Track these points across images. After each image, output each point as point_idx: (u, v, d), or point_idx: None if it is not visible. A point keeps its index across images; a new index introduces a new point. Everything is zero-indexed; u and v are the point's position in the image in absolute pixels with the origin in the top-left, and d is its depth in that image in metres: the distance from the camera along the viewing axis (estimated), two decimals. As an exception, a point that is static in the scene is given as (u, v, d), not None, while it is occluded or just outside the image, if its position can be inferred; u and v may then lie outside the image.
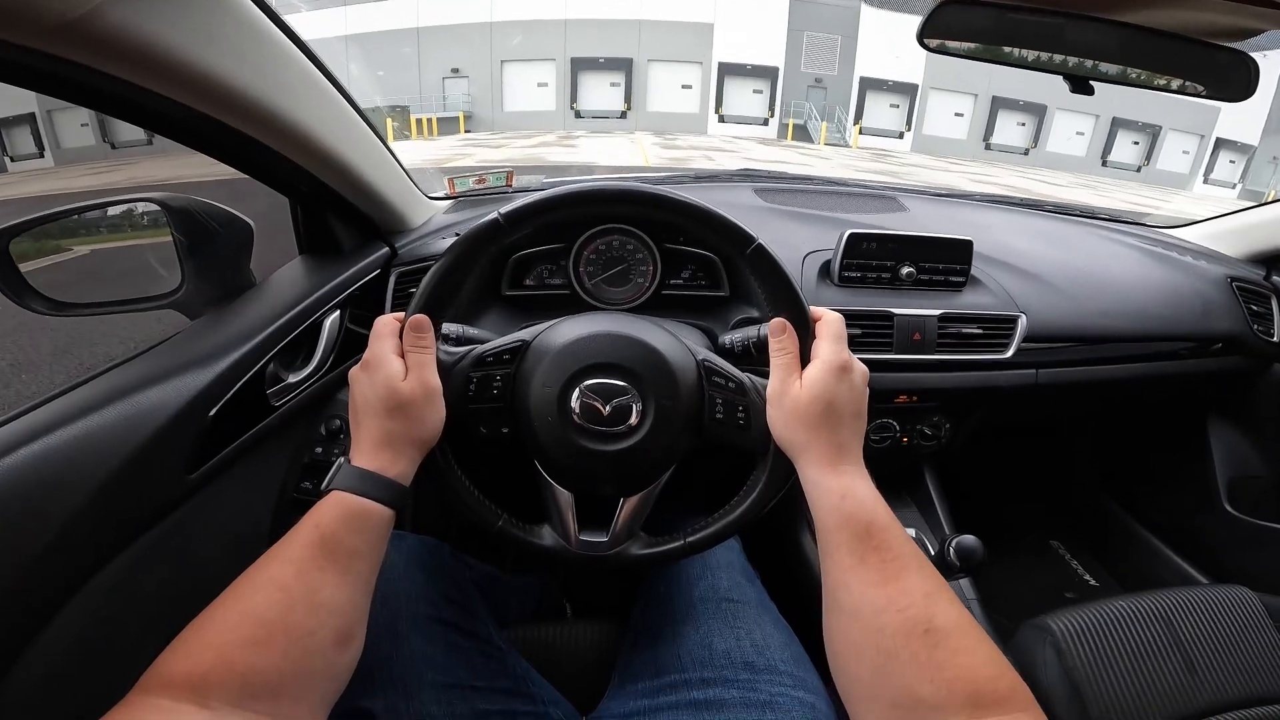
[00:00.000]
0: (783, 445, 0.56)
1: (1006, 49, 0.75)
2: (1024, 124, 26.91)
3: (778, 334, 0.57)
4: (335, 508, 0.50)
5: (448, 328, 0.67)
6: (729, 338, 0.69)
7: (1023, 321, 1.03)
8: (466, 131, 24.83)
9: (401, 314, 0.58)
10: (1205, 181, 25.83)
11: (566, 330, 0.62)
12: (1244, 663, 0.83)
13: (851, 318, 0.95)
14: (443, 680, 0.61)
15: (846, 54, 25.77)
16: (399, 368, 0.55)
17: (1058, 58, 0.74)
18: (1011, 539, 1.64)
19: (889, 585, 0.46)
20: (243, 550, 0.78)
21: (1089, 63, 0.74)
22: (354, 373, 0.56)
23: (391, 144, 0.90)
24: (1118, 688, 0.80)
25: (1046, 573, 1.60)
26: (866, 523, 0.49)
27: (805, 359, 0.57)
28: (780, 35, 25.61)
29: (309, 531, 0.48)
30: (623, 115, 27.01)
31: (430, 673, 0.61)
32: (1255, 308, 1.24)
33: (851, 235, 1.01)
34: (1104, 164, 26.62)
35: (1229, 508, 1.33)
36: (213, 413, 0.65)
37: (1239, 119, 24.23)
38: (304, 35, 0.67)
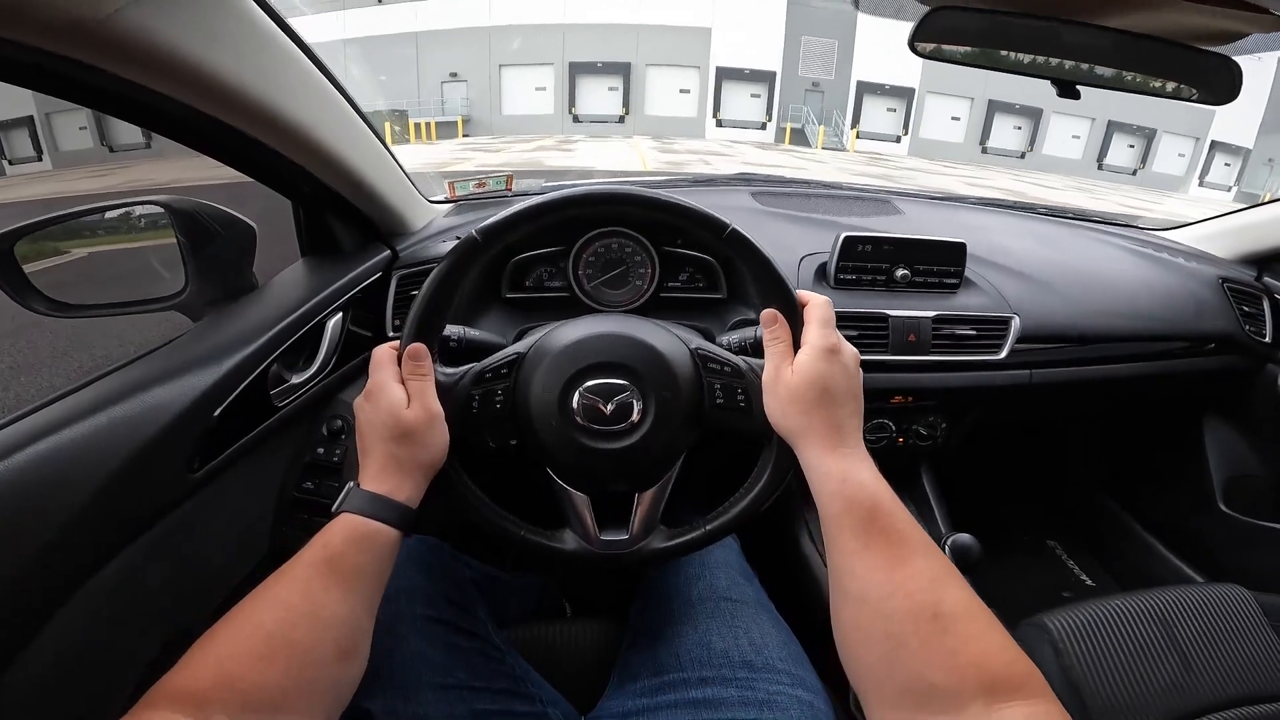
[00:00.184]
0: (781, 432, 0.57)
1: (996, 55, 0.76)
2: (1020, 127, 27.03)
3: (769, 324, 0.58)
4: (344, 529, 0.51)
5: (449, 330, 0.68)
6: (727, 338, 0.70)
7: (1016, 323, 1.04)
8: (465, 136, 24.86)
9: (397, 343, 0.59)
10: (1200, 184, 25.93)
11: (560, 336, 0.63)
12: (1239, 661, 0.83)
13: (847, 319, 0.96)
14: (441, 680, 0.61)
15: (844, 58, 25.87)
16: (401, 395, 0.56)
17: (1047, 62, 0.75)
18: (1009, 539, 1.64)
19: (895, 570, 0.46)
20: (244, 548, 0.79)
21: (1077, 66, 0.75)
22: (358, 402, 0.57)
23: (388, 144, 0.91)
24: (1115, 686, 0.80)
25: (1044, 572, 1.60)
26: (870, 506, 0.49)
27: (798, 345, 0.57)
28: (778, 39, 25.71)
29: (316, 551, 0.49)
30: (621, 119, 27.07)
31: (429, 673, 0.61)
32: (1246, 308, 1.25)
33: (847, 238, 1.02)
34: (1100, 167, 26.72)
35: (1224, 507, 1.34)
36: (218, 412, 0.66)
37: (1234, 121, 24.35)
38: (304, 38, 0.67)
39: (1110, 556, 1.60)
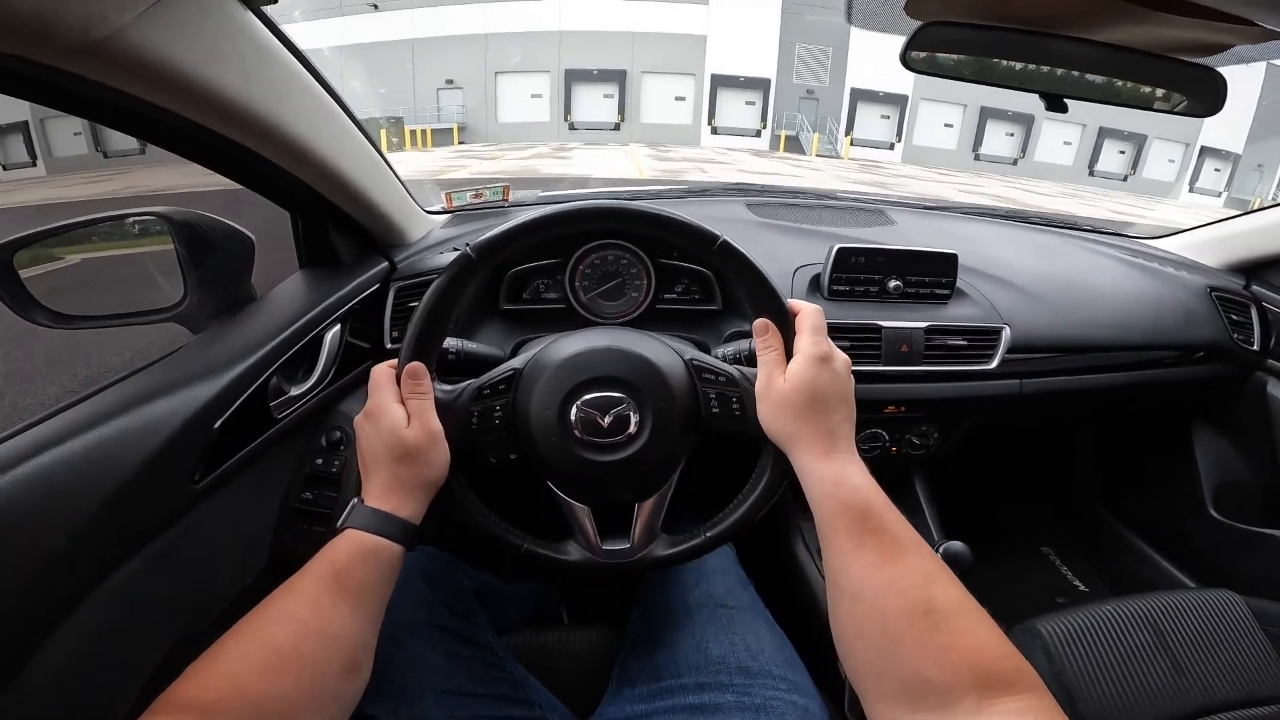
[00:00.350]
0: (775, 439, 0.58)
1: (986, 69, 0.77)
2: (1012, 134, 27.17)
3: (761, 333, 0.59)
4: (350, 545, 0.52)
5: (447, 342, 0.69)
6: (722, 350, 0.70)
7: (1006, 333, 1.05)
8: (461, 143, 24.83)
9: (395, 362, 0.60)
10: (1191, 190, 26.08)
11: (557, 350, 0.63)
12: (1231, 665, 0.84)
13: (841, 330, 0.97)
14: (443, 687, 0.62)
15: (838, 65, 26.00)
16: (401, 415, 0.56)
17: (1036, 75, 0.77)
18: (1002, 544, 1.65)
19: (888, 568, 0.47)
20: (245, 558, 0.79)
21: (1066, 77, 0.77)
22: (358, 422, 0.58)
23: (386, 155, 0.91)
24: (1107, 690, 0.81)
25: (1037, 577, 1.61)
26: (862, 507, 0.50)
27: (790, 354, 0.58)
28: (772, 47, 25.81)
29: (323, 567, 0.50)
30: (616, 127, 27.11)
31: (431, 679, 0.62)
32: (1235, 317, 1.26)
33: (840, 250, 1.03)
34: (1091, 173, 26.88)
35: (1215, 513, 1.35)
36: (218, 425, 0.66)
37: (1223, 128, 24.53)
38: (299, 46, 0.68)
39: (1103, 562, 1.61)
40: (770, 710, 0.62)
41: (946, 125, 27.03)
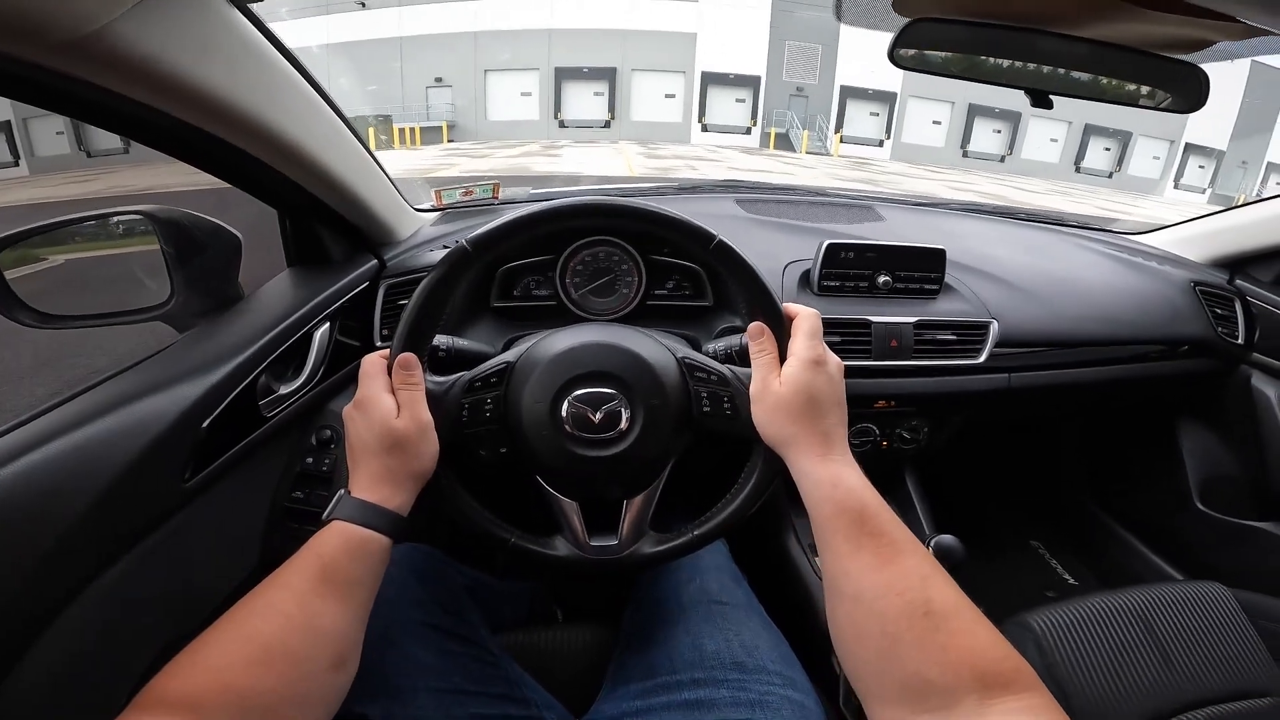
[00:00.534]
0: (770, 441, 0.58)
1: (973, 65, 0.78)
2: (1000, 131, 27.37)
3: (756, 337, 0.59)
4: (336, 537, 0.51)
5: (437, 339, 0.68)
6: (713, 346, 0.71)
7: (994, 327, 1.06)
8: (450, 141, 24.75)
9: (388, 351, 0.59)
10: (1176, 186, 26.40)
11: (550, 345, 0.63)
12: (1219, 657, 0.85)
13: (831, 326, 0.97)
14: (438, 685, 0.62)
15: (827, 63, 26.08)
16: (391, 405, 0.56)
17: (1022, 72, 0.77)
18: (993, 539, 1.67)
19: (886, 569, 0.47)
20: (235, 557, 0.78)
21: (1053, 74, 0.77)
22: (348, 411, 0.57)
23: (375, 153, 0.91)
24: (1098, 683, 0.81)
25: (1027, 572, 1.62)
26: (858, 510, 0.51)
27: (784, 357, 0.58)
28: (762, 44, 25.86)
29: (310, 560, 0.50)
30: (606, 125, 27.07)
31: (425, 678, 0.61)
32: (1219, 311, 1.28)
33: (830, 245, 1.03)
34: (1077, 170, 27.13)
35: (1201, 506, 1.37)
36: (206, 423, 0.66)
37: (1207, 124, 24.84)
38: (286, 43, 0.67)
39: (1092, 556, 1.63)
40: (766, 705, 0.62)
41: (935, 122, 27.19)
